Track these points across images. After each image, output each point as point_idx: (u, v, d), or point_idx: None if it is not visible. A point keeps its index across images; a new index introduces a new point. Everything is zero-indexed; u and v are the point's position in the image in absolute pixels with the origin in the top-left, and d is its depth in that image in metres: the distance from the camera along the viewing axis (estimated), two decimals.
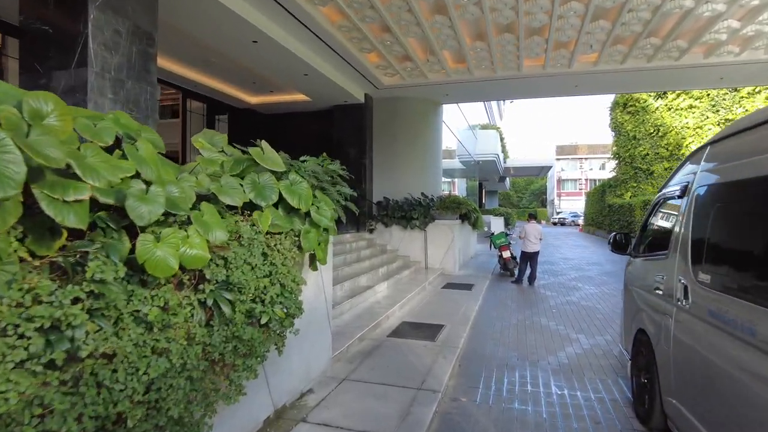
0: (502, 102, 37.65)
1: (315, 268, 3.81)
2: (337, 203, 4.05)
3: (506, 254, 11.32)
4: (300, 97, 11.40)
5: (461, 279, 10.28)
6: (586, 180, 66.96)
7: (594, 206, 32.19)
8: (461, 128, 22.35)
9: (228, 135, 12.30)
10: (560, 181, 66.83)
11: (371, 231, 11.46)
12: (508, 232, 12.08)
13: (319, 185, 3.83)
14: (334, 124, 11.90)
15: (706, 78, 10.43)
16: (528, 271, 10.31)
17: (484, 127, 25.71)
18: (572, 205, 62.84)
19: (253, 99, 11.90)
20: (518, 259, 10.78)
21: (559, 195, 66.31)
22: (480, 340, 5.87)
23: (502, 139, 28.41)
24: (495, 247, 11.86)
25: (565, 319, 7.03)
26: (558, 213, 59.21)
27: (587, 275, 11.87)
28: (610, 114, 24.25)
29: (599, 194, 29.65)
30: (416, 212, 11.07)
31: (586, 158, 67.18)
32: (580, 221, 47.18)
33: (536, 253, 10.23)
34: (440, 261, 11.10)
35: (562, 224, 51.14)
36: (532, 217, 10.63)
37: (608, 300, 8.57)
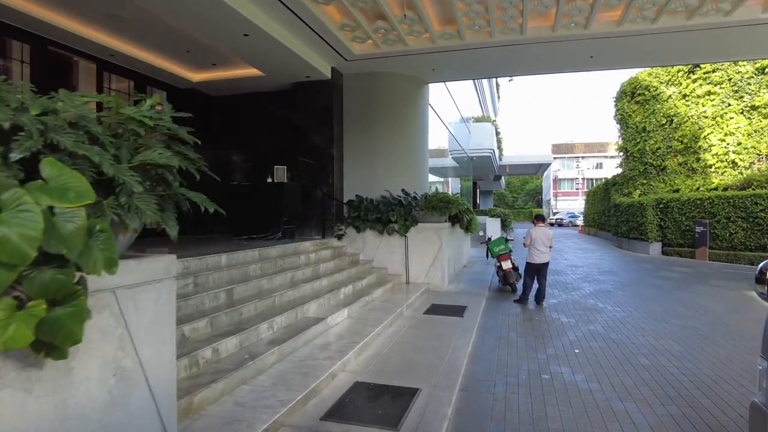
0: (496, 96, 35.57)
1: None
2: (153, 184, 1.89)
3: (506, 265, 9.17)
4: (252, 72, 9.20)
5: (451, 298, 8.11)
6: (583, 179, 65.08)
7: (595, 206, 30.16)
8: (453, 121, 20.26)
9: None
10: (557, 181, 64.90)
11: (340, 237, 9.28)
12: (509, 237, 9.90)
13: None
14: (296, 106, 9.71)
15: (765, 42, 8.31)
16: (535, 287, 8.16)
17: (478, 119, 23.59)
18: (569, 205, 60.91)
19: (194, 75, 9.68)
20: (522, 271, 8.66)
21: (555, 195, 64.38)
22: (475, 421, 3.70)
23: (497, 134, 26.32)
24: (493, 256, 9.71)
25: (597, 369, 4.87)
26: (555, 213, 57.25)
27: (604, 289, 9.73)
28: (616, 105, 22.19)
29: (602, 193, 27.61)
30: (395, 213, 8.90)
31: (583, 157, 65.31)
32: (579, 222, 45.26)
33: (545, 265, 8.09)
34: (425, 274, 8.93)
35: (560, 225, 49.16)
36: (540, 219, 8.46)
37: (645, 332, 6.42)
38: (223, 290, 4.91)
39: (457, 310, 7.11)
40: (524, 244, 8.25)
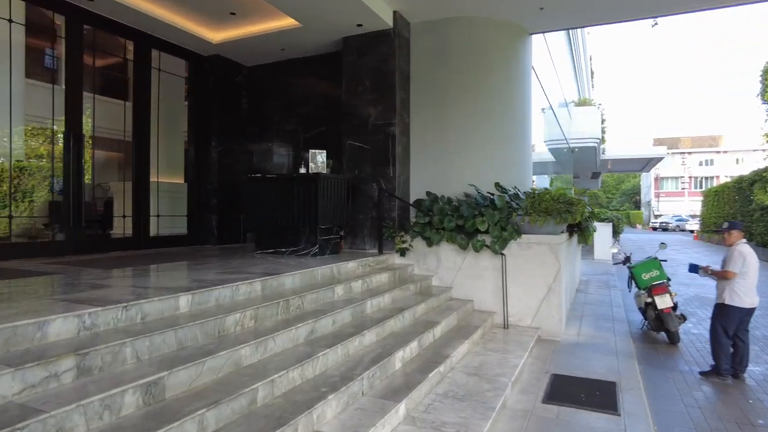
0: (591, 83, 30.79)
1: None
2: None
3: (665, 302, 5.84)
4: (285, 23, 6.68)
5: (580, 359, 4.98)
6: (690, 178, 57.08)
7: (721, 208, 24.80)
8: (545, 106, 16.65)
9: (190, 103, 7.89)
10: (658, 180, 57.41)
11: (403, 252, 6.45)
12: (662, 258, 6.50)
13: None
14: (344, 72, 7.05)
15: None
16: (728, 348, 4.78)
17: (580, 103, 19.61)
18: (673, 207, 53.49)
19: (214, 35, 7.31)
20: (680, 310, 5.29)
21: (657, 195, 56.95)
22: None
23: (602, 121, 21.92)
24: (640, 287, 6.39)
25: None
26: (657, 216, 50.38)
27: None
28: (763, 81, 17.38)
29: (733, 192, 22.40)
30: (485, 219, 5.90)
31: (690, 152, 57.20)
32: (690, 226, 38.90)
33: (752, 311, 4.70)
34: (533, 312, 5.84)
35: (664, 229, 42.87)
36: (735, 227, 4.98)
37: None
38: (143, 384, 2.28)
39: (604, 395, 3.99)
40: (725, 273, 4.80)
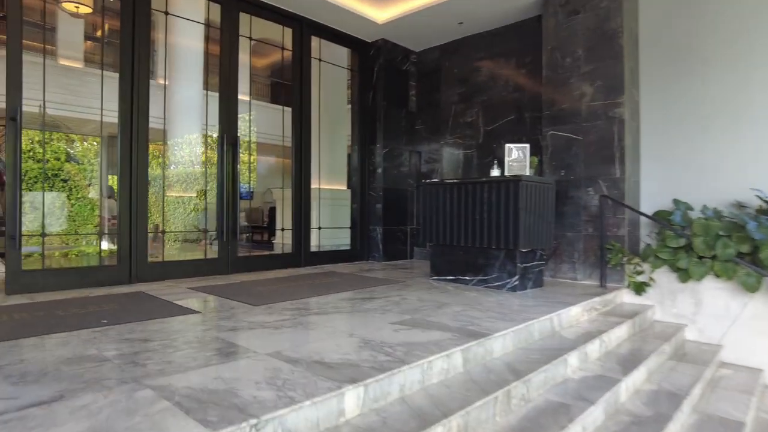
0: None
1: None
2: None
3: None
4: None
5: None
6: None
7: None
8: None
9: (353, 98, 6.99)
10: None
11: (639, 288, 4.47)
12: None
13: None
14: (543, 40, 5.34)
15: None
16: None
17: None
18: None
19: (380, 13, 6.19)
20: None
21: None
22: None
23: None
24: None
25: None
26: None
27: None
28: None
29: None
30: None
31: None
32: None
33: None
34: None
35: None
36: None
37: None
38: None
39: None
40: None
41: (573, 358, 2.91)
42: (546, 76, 5.30)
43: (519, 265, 4.19)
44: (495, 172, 4.47)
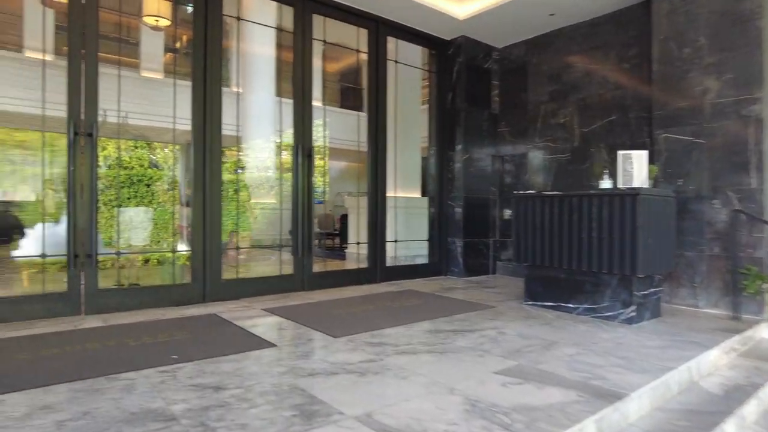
0: None
1: None
2: None
3: None
4: None
5: None
6: None
7: None
8: None
9: (430, 100, 6.60)
10: None
11: None
12: None
13: None
14: (652, 29, 4.65)
15: None
16: None
17: None
18: None
19: (461, 8, 5.72)
20: None
21: None
22: None
23: None
24: None
25: None
26: None
27: None
28: None
29: None
30: None
31: None
32: None
33: None
34: None
35: None
36: None
37: None
38: None
39: None
40: None
41: (730, 426, 2.34)
42: (657, 70, 4.61)
43: (636, 293, 3.59)
44: (605, 184, 3.88)
